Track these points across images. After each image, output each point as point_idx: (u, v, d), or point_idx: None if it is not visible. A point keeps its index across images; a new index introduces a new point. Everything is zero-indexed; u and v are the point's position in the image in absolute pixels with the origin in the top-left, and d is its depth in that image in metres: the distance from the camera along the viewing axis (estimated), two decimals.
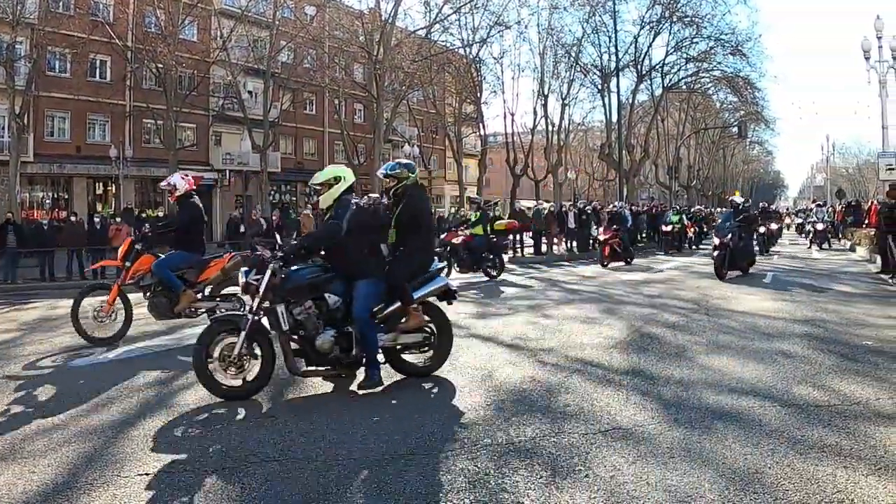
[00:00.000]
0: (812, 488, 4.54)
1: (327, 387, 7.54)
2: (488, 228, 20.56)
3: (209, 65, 41.77)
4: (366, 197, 8.73)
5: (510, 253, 29.77)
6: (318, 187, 7.83)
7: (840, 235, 38.46)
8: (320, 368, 7.37)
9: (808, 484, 4.61)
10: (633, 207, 39.55)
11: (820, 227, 34.59)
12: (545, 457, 5.20)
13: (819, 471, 4.83)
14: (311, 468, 5.07)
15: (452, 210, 52.68)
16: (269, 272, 7.07)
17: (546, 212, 32.33)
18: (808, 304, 13.53)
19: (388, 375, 7.65)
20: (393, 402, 6.88)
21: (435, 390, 7.31)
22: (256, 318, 7.11)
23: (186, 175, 11.69)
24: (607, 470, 4.92)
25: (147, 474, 5.01)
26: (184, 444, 5.69)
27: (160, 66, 36.69)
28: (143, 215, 34.94)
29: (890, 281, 17.26)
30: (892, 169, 27.04)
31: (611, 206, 34.40)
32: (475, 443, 5.54)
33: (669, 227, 33.20)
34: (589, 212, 34.38)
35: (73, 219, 28.10)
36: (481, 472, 4.92)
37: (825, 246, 33.84)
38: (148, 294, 10.73)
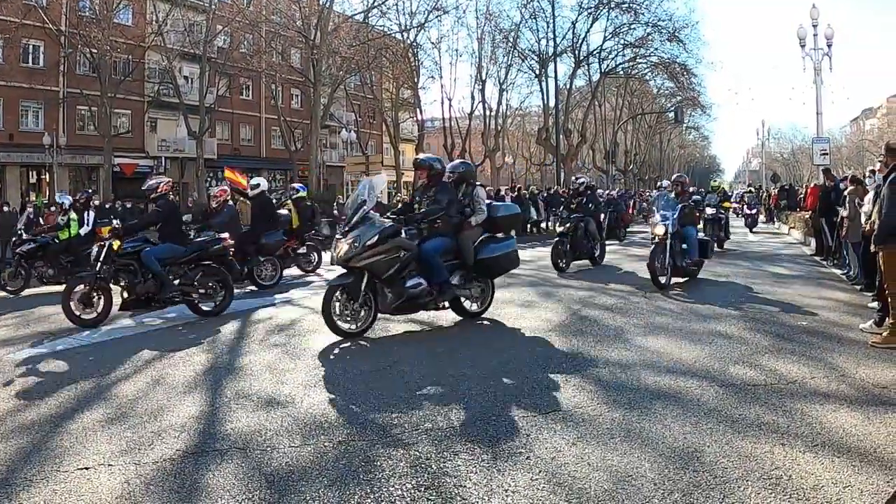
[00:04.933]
0: (751, 465, 4.60)
1: (264, 377, 7.46)
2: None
3: (144, 50, 41.03)
4: None
5: None
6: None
7: (775, 219, 38.40)
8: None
9: (747, 461, 4.67)
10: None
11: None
12: (486, 440, 5.20)
13: (757, 448, 4.90)
14: (253, 458, 5.00)
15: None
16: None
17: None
18: (744, 285, 13.71)
19: (315, 375, 7.56)
20: (332, 388, 6.82)
21: (373, 376, 7.25)
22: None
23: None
24: (548, 451, 4.93)
25: (87, 468, 4.88)
26: (124, 436, 5.55)
27: (94, 51, 35.89)
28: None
29: (824, 263, 17.59)
30: (826, 154, 27.50)
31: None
32: (416, 427, 5.51)
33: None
34: (526, 196, 34.65)
35: (5, 209, 27.37)
36: (422, 456, 4.90)
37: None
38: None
